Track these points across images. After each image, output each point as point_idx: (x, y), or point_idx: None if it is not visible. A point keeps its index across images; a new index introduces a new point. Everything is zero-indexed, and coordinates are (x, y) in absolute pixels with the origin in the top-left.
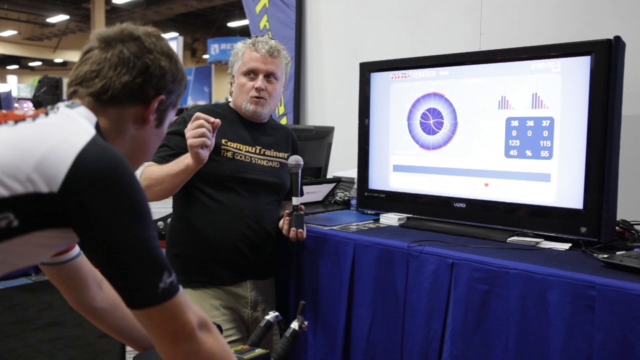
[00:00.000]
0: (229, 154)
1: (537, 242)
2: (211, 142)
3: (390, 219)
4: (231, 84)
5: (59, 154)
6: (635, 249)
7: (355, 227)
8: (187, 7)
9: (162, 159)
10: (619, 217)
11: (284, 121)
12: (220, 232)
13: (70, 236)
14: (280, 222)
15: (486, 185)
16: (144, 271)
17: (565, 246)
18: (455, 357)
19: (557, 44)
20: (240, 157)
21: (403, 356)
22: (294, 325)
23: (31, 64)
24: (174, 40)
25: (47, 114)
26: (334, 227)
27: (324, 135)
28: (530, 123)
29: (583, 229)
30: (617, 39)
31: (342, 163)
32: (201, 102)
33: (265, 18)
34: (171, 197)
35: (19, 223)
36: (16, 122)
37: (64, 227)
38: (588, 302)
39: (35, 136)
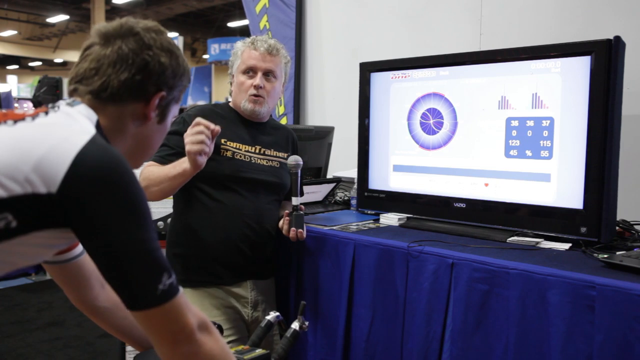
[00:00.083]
0: (229, 154)
1: (537, 242)
2: (210, 148)
3: (390, 219)
4: (231, 83)
5: (57, 154)
6: (635, 249)
7: (355, 227)
8: (187, 7)
9: (162, 159)
10: (619, 217)
11: (284, 121)
12: (221, 231)
13: (70, 236)
14: (280, 222)
15: (486, 185)
16: (143, 272)
17: (565, 246)
18: (455, 357)
19: (557, 44)
20: (240, 156)
21: (403, 356)
22: (295, 325)
23: (31, 64)
24: (174, 40)
25: (47, 112)
26: (334, 227)
27: (324, 135)
28: (530, 123)
29: (583, 229)
30: (617, 39)
31: (342, 163)
32: (201, 102)
33: (265, 18)
34: (171, 196)
35: (17, 224)
36: (15, 121)
37: (63, 228)
38: (588, 302)
39: (34, 136)
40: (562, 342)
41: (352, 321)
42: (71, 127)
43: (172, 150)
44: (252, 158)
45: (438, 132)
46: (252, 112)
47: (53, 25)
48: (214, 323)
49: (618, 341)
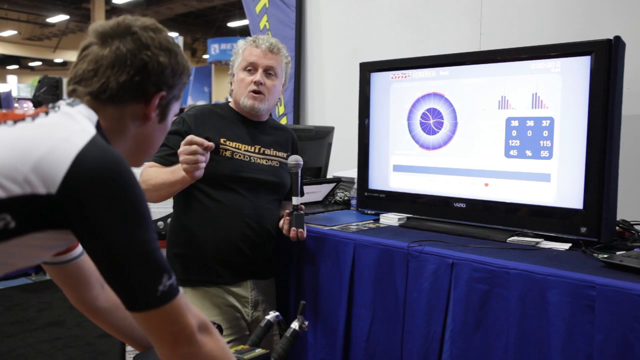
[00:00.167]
0: (228, 153)
1: (537, 242)
2: (205, 162)
3: (390, 219)
4: (231, 83)
5: (57, 154)
6: (635, 249)
7: (355, 227)
8: (187, 7)
9: (162, 159)
10: (619, 217)
11: (284, 121)
12: (221, 231)
13: (69, 237)
14: (281, 222)
15: (486, 185)
16: (144, 274)
17: (565, 246)
18: (455, 357)
19: (557, 44)
20: (239, 156)
21: (403, 356)
22: (295, 325)
23: (31, 64)
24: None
25: (47, 113)
26: (334, 227)
27: (324, 135)
28: (530, 123)
29: (583, 229)
30: (617, 39)
31: (342, 163)
32: (201, 102)
33: (265, 18)
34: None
35: (16, 224)
36: (15, 121)
37: (62, 229)
38: (588, 302)
39: (34, 136)
40: (562, 342)
41: (352, 321)
42: (71, 127)
43: (171, 150)
44: (251, 158)
45: (438, 132)
46: (251, 108)
47: (53, 25)
48: (214, 323)
49: (618, 341)
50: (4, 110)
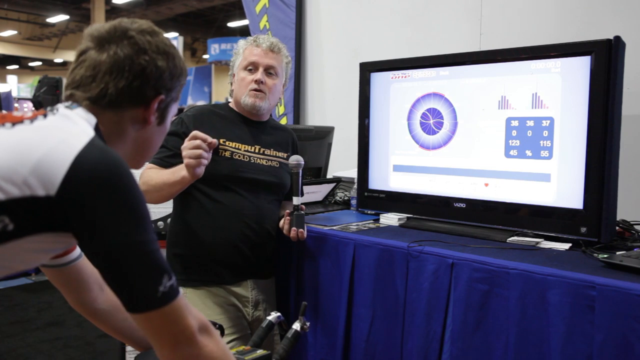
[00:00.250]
0: (227, 154)
1: (537, 242)
2: (208, 160)
3: (390, 219)
4: (231, 83)
5: (56, 156)
6: (635, 249)
7: (355, 227)
8: (187, 7)
9: (161, 161)
10: (619, 217)
11: (283, 121)
12: (221, 232)
13: (67, 240)
14: (281, 222)
15: (486, 185)
16: (144, 275)
17: (565, 246)
18: (455, 357)
19: (557, 44)
20: (239, 156)
21: (403, 356)
22: (296, 326)
23: (31, 64)
24: (174, 40)
25: (45, 115)
26: (334, 227)
27: (324, 135)
28: (530, 123)
29: (583, 229)
30: (617, 39)
31: (342, 163)
32: (201, 102)
33: (265, 18)
34: None
35: (14, 227)
36: (14, 124)
37: (61, 232)
38: (588, 302)
39: (32, 139)
40: (562, 342)
41: (352, 321)
42: (70, 129)
43: (170, 152)
44: (251, 158)
45: (438, 132)
46: (252, 107)
47: (53, 25)
48: (215, 324)
49: (618, 341)
50: (3, 112)
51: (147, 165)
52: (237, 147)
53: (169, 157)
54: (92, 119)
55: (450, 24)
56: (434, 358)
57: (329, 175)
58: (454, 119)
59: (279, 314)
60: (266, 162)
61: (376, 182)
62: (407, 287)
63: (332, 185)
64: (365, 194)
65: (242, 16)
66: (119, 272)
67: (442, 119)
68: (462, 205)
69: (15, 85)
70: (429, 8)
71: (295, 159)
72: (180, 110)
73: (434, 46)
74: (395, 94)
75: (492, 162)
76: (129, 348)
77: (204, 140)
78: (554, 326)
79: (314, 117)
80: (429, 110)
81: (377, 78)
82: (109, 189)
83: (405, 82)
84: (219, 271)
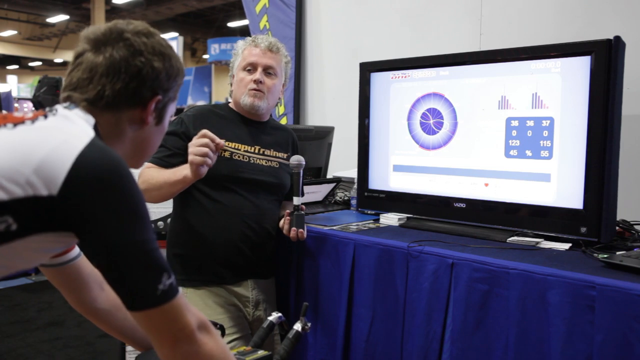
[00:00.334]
0: (227, 154)
1: (537, 242)
2: (212, 160)
3: (390, 219)
4: (231, 84)
5: (58, 156)
6: (635, 249)
7: (355, 227)
8: (187, 7)
9: (160, 160)
10: (619, 217)
11: (283, 121)
12: (220, 232)
13: (68, 240)
14: (281, 222)
15: (486, 185)
16: (143, 273)
17: (565, 246)
18: (455, 357)
19: (557, 44)
20: (238, 156)
21: (403, 356)
22: (297, 326)
23: (31, 64)
24: (174, 40)
25: (46, 116)
26: (334, 227)
27: (324, 135)
28: (530, 123)
29: (583, 229)
30: (617, 39)
31: (342, 163)
32: (201, 102)
33: (265, 18)
34: None
35: (17, 227)
36: (15, 124)
37: (62, 231)
38: (588, 302)
39: (34, 139)
40: (562, 342)
41: (352, 321)
42: (70, 129)
43: (169, 152)
44: (250, 158)
45: (438, 132)
46: (251, 106)
47: (53, 25)
48: (216, 323)
49: (618, 341)
50: (4, 112)
51: (146, 164)
52: (236, 147)
53: (168, 157)
54: (91, 119)
55: (450, 24)
56: (434, 358)
57: (329, 175)
58: (454, 119)
59: (280, 314)
60: (266, 163)
61: (376, 182)
62: (407, 287)
63: (332, 185)
64: (365, 194)
65: (242, 16)
66: (119, 270)
67: (442, 119)
68: (462, 205)
69: (15, 85)
70: (429, 8)
71: (296, 159)
72: (180, 110)
73: (434, 46)
74: (395, 94)
75: (492, 162)
76: (129, 348)
77: (212, 140)
78: (554, 326)
79: (314, 117)
80: (429, 110)
81: (377, 78)
82: (110, 188)
83: (405, 82)
84: (220, 271)
